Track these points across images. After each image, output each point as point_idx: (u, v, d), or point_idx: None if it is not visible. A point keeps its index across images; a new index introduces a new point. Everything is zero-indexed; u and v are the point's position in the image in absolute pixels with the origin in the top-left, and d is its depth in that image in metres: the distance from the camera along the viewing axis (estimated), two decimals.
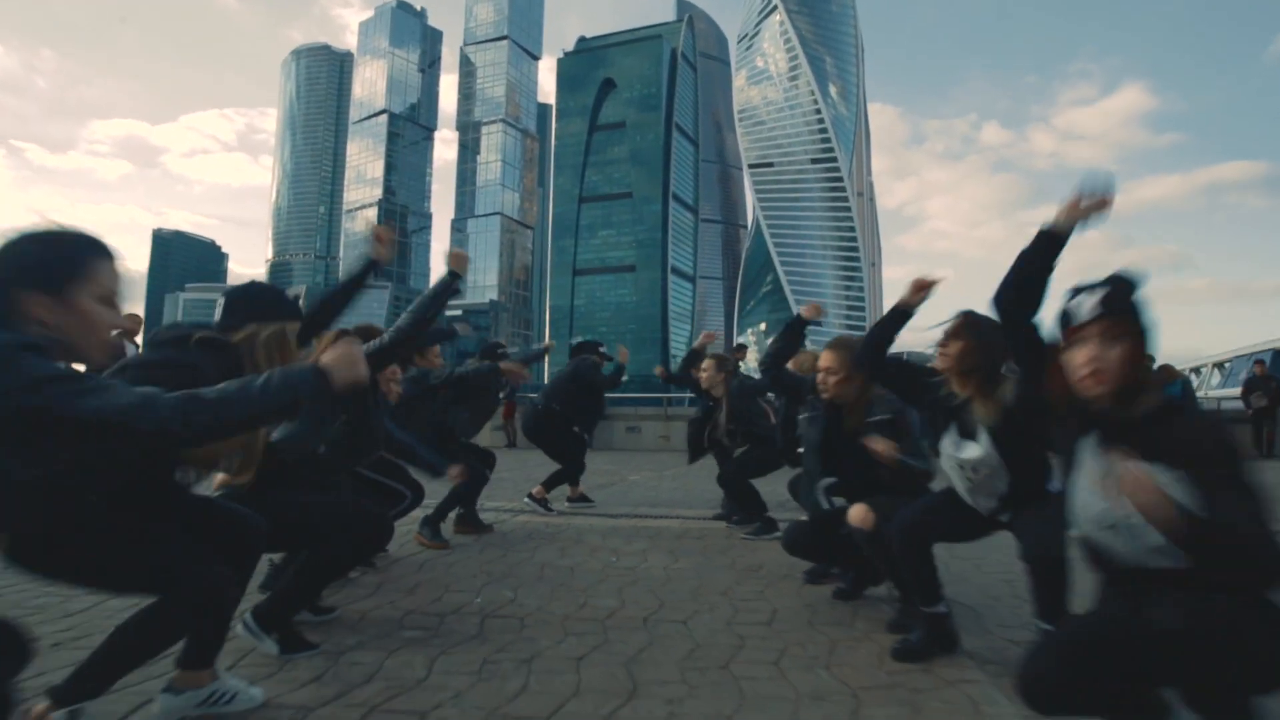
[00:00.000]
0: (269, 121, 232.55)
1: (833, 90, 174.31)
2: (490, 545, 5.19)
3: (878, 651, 3.01)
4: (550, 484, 6.76)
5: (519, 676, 2.76)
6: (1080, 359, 1.88)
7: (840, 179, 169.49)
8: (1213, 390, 28.27)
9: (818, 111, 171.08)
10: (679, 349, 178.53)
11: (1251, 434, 13.93)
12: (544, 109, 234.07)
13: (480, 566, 4.52)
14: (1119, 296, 1.87)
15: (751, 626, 3.36)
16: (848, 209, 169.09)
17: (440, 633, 3.27)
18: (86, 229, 1.94)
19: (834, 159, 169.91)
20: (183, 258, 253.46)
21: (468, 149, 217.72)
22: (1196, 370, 37.30)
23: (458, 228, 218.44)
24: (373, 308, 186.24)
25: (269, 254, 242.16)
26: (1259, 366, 14.86)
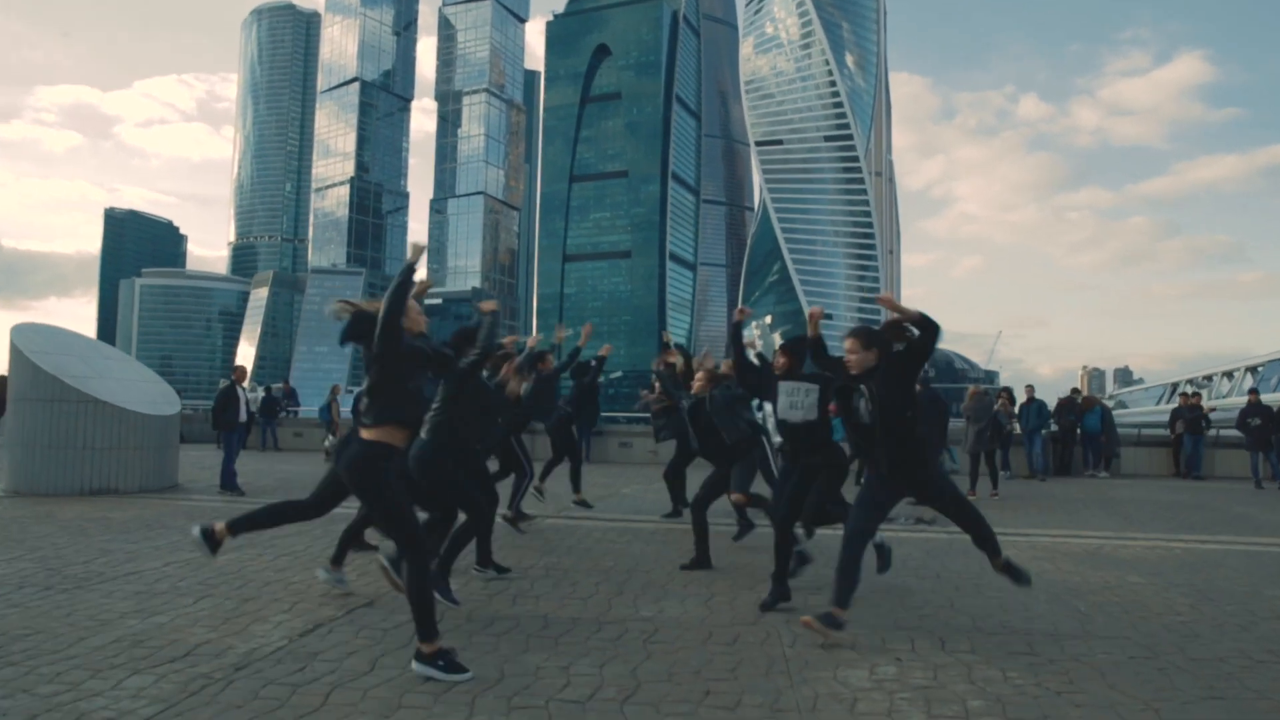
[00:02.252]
0: (231, 88, 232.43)
1: (849, 60, 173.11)
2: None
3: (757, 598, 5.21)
4: (577, 484, 9.57)
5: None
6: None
7: (856, 158, 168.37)
8: (1241, 395, 28.60)
9: (832, 84, 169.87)
10: (678, 341, 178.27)
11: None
12: (531, 77, 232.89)
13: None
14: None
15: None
16: (864, 191, 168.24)
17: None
18: None
19: (849, 136, 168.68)
20: (138, 240, 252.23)
21: (448, 121, 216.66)
22: (1229, 374, 37.36)
23: (437, 208, 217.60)
24: (346, 294, 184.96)
25: (231, 236, 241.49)
26: (1252, 395, 15.94)
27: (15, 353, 10.42)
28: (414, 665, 3.71)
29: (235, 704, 3.40)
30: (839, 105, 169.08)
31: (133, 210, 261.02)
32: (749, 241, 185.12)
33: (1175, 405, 17.51)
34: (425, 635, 3.73)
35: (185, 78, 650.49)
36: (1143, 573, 6.52)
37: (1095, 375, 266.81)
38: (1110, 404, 27.38)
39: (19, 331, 10.82)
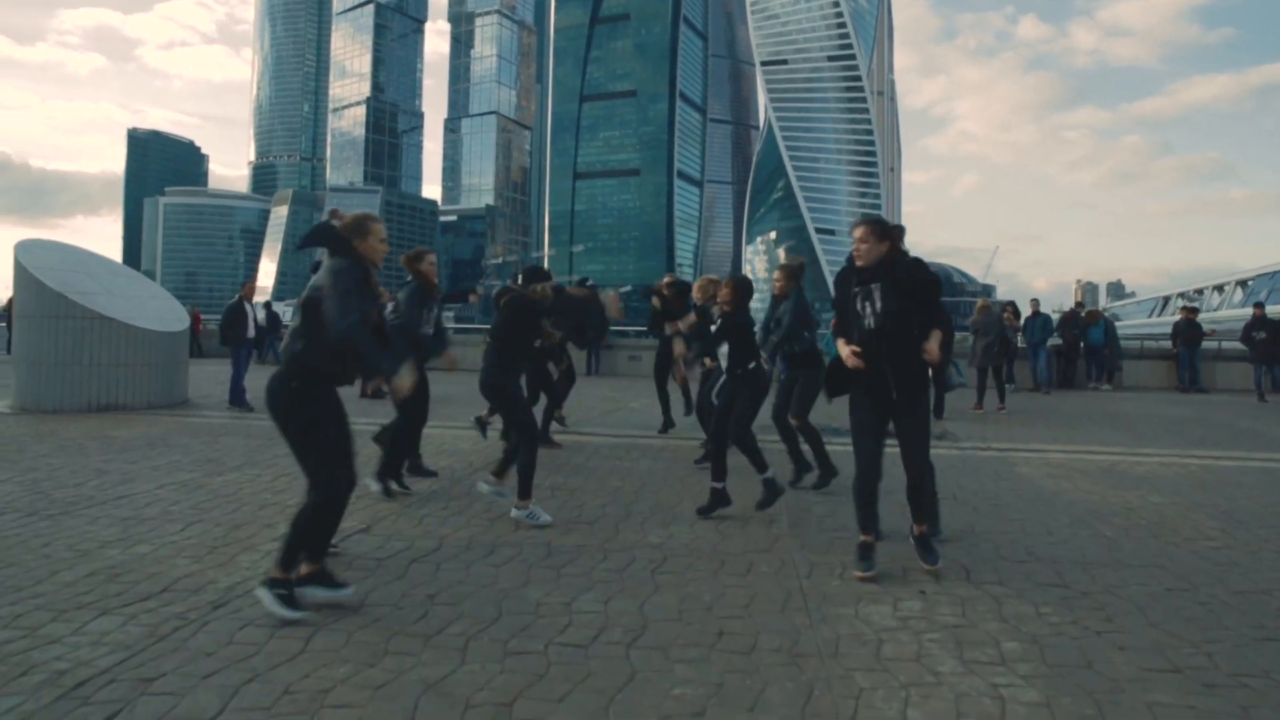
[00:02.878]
0: (250, 10, 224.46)
1: None
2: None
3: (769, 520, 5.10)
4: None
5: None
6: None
7: (859, 77, 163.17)
8: (1232, 309, 27.70)
9: (835, 4, 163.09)
10: (685, 257, 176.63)
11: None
12: None
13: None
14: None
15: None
16: (866, 109, 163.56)
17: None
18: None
19: (852, 56, 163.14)
20: (160, 160, 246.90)
21: (461, 42, 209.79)
22: (1219, 288, 36.52)
23: (451, 128, 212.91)
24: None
25: (251, 155, 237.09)
26: (1257, 309, 14.90)
27: (20, 269, 9.72)
28: (256, 590, 3.31)
29: (205, 651, 2.92)
30: (842, 25, 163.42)
31: (155, 131, 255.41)
32: (754, 159, 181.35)
33: (1176, 318, 16.72)
34: (283, 563, 3.28)
35: (204, 0, 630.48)
36: (1163, 491, 6.03)
37: (1089, 289, 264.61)
38: (1108, 316, 26.86)
39: (24, 248, 10.11)
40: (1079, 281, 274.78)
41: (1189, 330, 15.63)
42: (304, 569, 3.33)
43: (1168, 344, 16.63)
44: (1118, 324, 24.89)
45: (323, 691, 2.62)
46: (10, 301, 11.07)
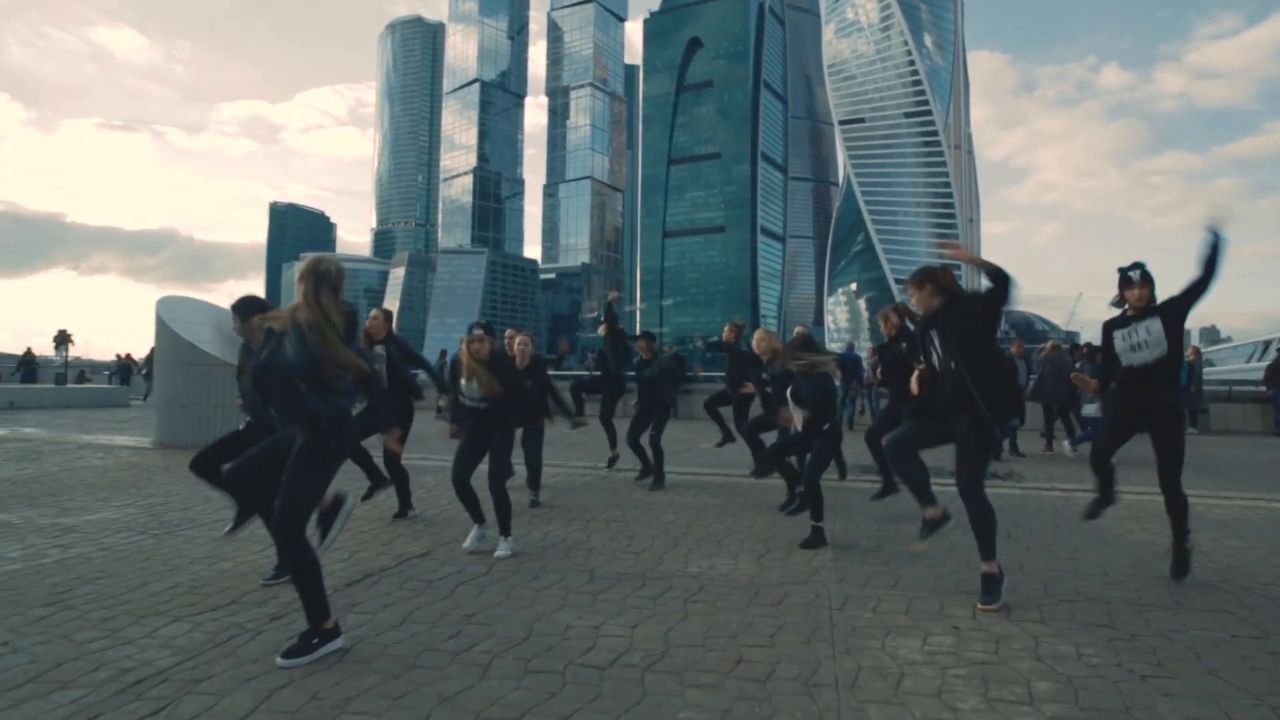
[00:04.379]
0: (374, 95, 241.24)
1: (928, 40, 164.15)
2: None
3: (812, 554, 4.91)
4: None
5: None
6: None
7: (935, 132, 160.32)
8: None
9: (911, 63, 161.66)
10: (769, 309, 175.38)
11: None
12: (631, 70, 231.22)
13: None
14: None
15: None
16: (943, 163, 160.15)
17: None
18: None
19: (928, 112, 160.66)
20: (296, 229, 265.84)
21: (557, 114, 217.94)
22: None
23: (549, 193, 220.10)
24: (470, 272, 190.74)
25: (373, 223, 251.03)
26: None
27: (160, 323, 10.67)
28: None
29: (253, 658, 3.05)
30: (918, 83, 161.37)
31: (292, 204, 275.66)
32: (834, 214, 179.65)
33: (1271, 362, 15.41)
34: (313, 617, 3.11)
35: (338, 88, 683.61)
36: (1243, 536, 5.38)
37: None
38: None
39: (164, 304, 11.07)
40: None
41: None
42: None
43: (1261, 388, 15.30)
44: (1212, 369, 22.86)
45: (346, 699, 2.68)
46: (152, 351, 12.06)
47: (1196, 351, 14.77)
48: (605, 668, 2.99)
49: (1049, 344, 12.16)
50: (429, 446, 10.04)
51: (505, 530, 4.72)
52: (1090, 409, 10.23)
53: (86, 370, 34.55)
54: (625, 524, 5.71)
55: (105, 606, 3.67)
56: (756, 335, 6.65)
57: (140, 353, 24.74)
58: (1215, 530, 5.61)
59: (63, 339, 39.70)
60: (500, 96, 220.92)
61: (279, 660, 2.96)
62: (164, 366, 10.68)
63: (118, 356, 30.18)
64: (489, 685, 2.82)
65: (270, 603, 3.71)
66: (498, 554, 4.63)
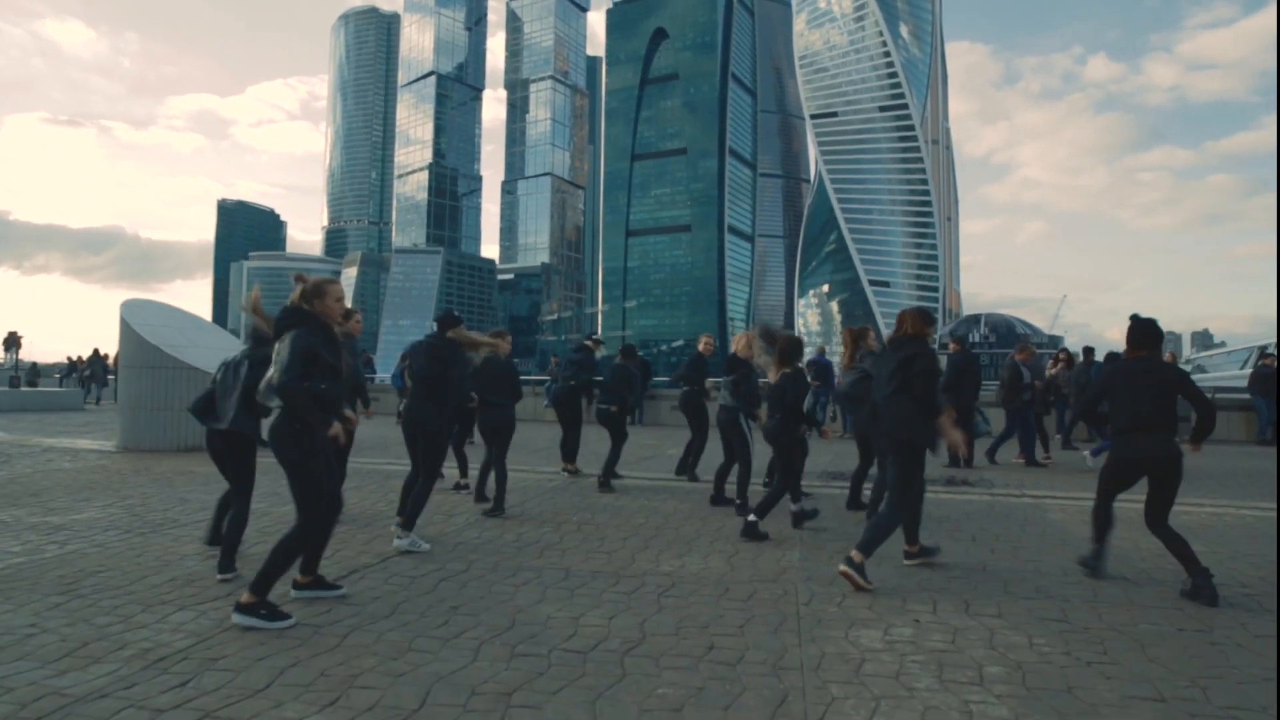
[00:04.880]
0: (327, 88, 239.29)
1: (904, 30, 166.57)
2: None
3: (781, 555, 5.04)
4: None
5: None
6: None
7: (912, 127, 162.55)
8: None
9: (886, 55, 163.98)
10: (737, 311, 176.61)
11: None
12: (593, 63, 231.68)
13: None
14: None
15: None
16: (919, 159, 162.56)
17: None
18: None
19: (904, 106, 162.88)
20: (245, 226, 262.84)
21: (516, 108, 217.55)
22: None
23: (508, 189, 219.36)
24: (425, 273, 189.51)
25: (325, 221, 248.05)
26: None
27: (124, 326, 10.95)
28: (234, 616, 3.65)
29: (260, 641, 3.49)
30: (894, 76, 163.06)
31: (242, 201, 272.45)
32: (805, 213, 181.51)
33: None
34: (258, 589, 3.66)
35: (290, 81, 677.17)
36: (1206, 540, 5.74)
37: (1170, 339, 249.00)
38: (1188, 368, 24.73)
39: (128, 307, 11.35)
40: None
41: (1265, 377, 14.61)
42: (300, 579, 3.97)
43: (1246, 395, 15.39)
44: (1205, 375, 23.10)
45: (352, 676, 3.09)
46: (95, 353, 12.26)
47: (1173, 357, 14.89)
48: (587, 652, 3.40)
49: (1019, 346, 12.14)
50: (392, 452, 10.30)
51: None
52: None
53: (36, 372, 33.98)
54: (596, 526, 6.12)
55: (113, 596, 4.13)
56: (741, 339, 7.09)
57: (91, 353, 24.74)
58: (1181, 534, 6.01)
59: (13, 341, 39.03)
60: (457, 90, 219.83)
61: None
62: (129, 370, 10.96)
63: (68, 359, 29.91)
64: (481, 666, 3.22)
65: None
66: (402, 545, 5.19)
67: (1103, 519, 4.82)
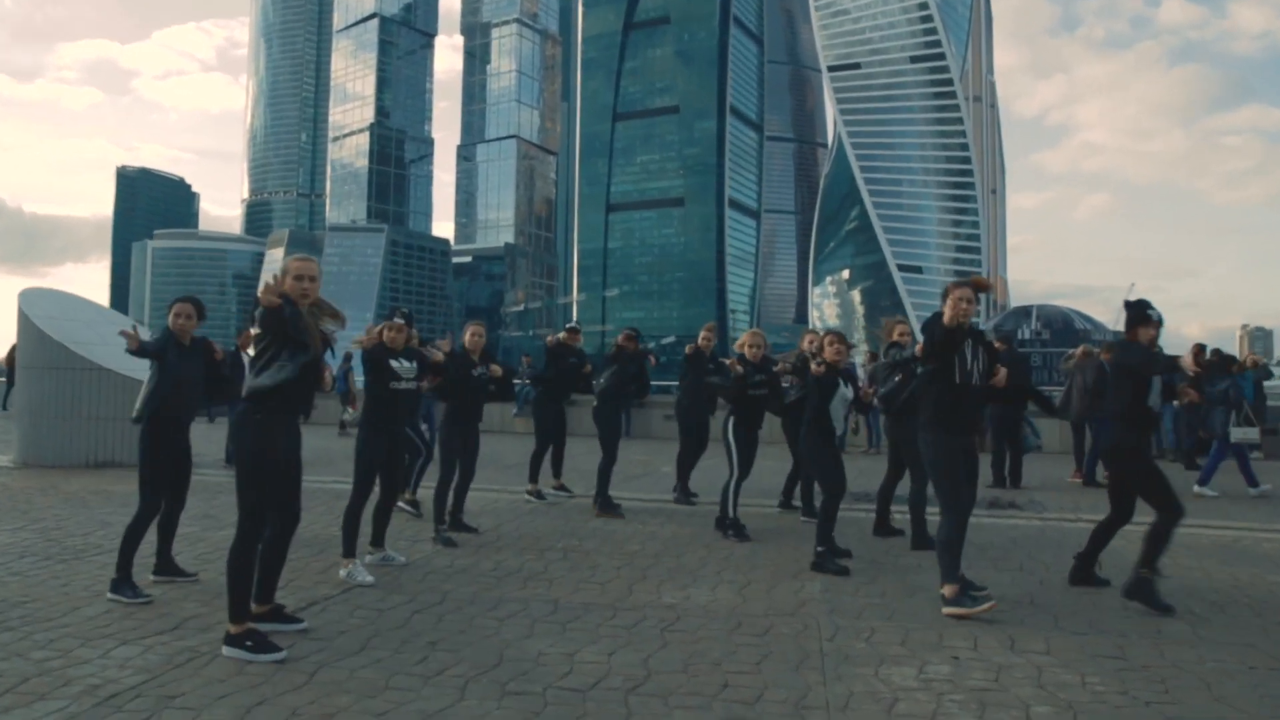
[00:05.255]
0: (249, 33, 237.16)
1: None
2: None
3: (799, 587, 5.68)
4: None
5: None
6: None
7: (950, 81, 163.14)
8: None
9: None
10: (739, 302, 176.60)
11: None
12: (567, 3, 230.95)
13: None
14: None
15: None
16: (959, 120, 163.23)
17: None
18: None
19: (941, 56, 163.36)
20: (149, 199, 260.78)
21: (475, 57, 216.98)
22: None
23: (465, 155, 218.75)
24: (365, 254, 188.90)
25: (245, 193, 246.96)
26: None
27: (23, 318, 11.03)
28: (223, 649, 3.96)
29: (219, 678, 3.69)
30: (928, 20, 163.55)
31: (145, 169, 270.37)
32: (822, 184, 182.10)
33: None
34: (235, 615, 3.99)
35: (204, 25, 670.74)
36: None
37: (1258, 335, 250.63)
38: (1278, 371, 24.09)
39: (26, 297, 11.42)
40: (1244, 327, 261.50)
41: None
42: (257, 608, 4.19)
43: None
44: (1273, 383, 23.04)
45: (327, 715, 3.31)
46: (13, 351, 12.37)
47: (1255, 360, 12.83)
48: (586, 690, 3.62)
49: (1080, 349, 12.07)
50: (337, 468, 10.41)
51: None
52: (1239, 433, 10.12)
53: None
54: (585, 554, 6.37)
55: (46, 629, 4.39)
56: (748, 338, 7.51)
57: None
58: (1258, 565, 6.24)
59: None
60: (405, 35, 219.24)
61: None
62: (28, 371, 11.06)
63: None
64: (469, 705, 3.43)
65: (216, 628, 4.25)
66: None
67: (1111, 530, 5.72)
